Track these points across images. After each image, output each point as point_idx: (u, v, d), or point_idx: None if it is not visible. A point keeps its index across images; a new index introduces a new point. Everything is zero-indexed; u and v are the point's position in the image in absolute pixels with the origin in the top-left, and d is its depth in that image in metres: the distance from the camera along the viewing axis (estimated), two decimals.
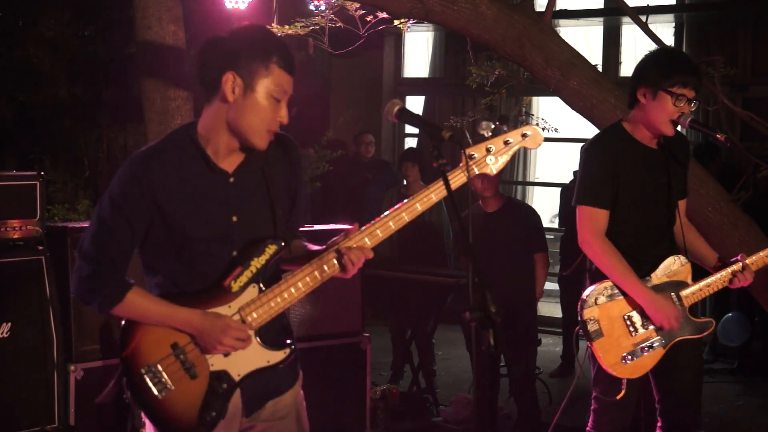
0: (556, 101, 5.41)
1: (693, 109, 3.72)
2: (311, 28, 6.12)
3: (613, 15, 9.27)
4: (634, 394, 3.84)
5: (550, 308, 9.38)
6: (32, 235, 4.90)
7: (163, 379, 2.71)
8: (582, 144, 3.94)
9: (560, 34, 5.10)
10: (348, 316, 5.42)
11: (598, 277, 3.77)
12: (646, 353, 3.71)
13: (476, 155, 2.78)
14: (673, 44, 8.76)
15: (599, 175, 3.76)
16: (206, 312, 2.68)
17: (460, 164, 2.74)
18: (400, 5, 4.84)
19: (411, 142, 10.87)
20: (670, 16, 9.29)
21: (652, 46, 4.89)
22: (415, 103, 10.88)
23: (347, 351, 5.42)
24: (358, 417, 5.47)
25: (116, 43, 10.54)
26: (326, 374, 5.24)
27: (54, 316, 4.85)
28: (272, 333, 2.77)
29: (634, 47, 9.47)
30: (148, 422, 2.79)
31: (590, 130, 4.71)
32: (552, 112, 8.42)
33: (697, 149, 7.46)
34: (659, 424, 3.88)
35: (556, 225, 10.06)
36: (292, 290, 2.72)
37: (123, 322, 2.76)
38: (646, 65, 3.79)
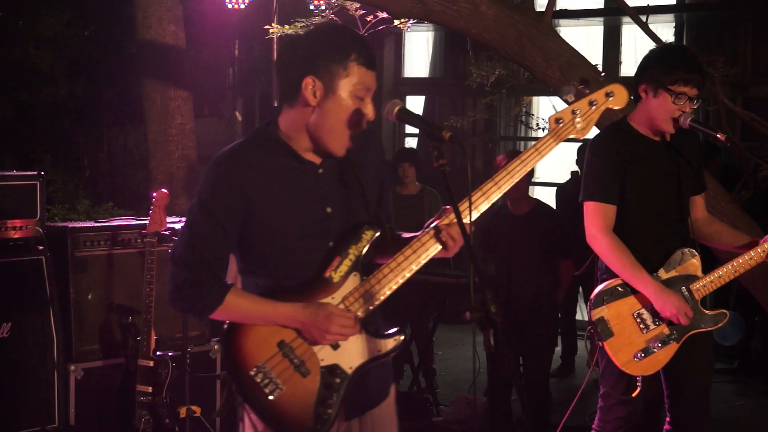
0: (556, 101, 5.41)
1: (695, 107, 3.70)
2: (311, 28, 6.12)
3: (613, 15, 9.26)
4: (642, 393, 3.82)
5: None
6: (32, 235, 4.90)
7: (275, 380, 2.61)
8: (580, 144, 3.93)
9: (560, 34, 5.10)
10: None
11: (609, 275, 3.76)
12: (659, 349, 3.69)
13: (563, 119, 2.76)
14: None
15: (605, 170, 3.74)
16: (308, 303, 2.61)
17: (550, 129, 2.72)
18: (400, 5, 4.84)
19: (411, 142, 10.87)
20: (671, 16, 9.29)
21: (653, 46, 4.89)
22: (415, 103, 10.87)
23: None
24: None
25: (116, 43, 10.55)
26: None
27: (54, 316, 4.86)
28: (378, 321, 2.71)
29: (634, 47, 9.46)
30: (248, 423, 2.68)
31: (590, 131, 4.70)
32: (552, 112, 8.41)
33: None
34: (668, 419, 3.88)
35: None
36: (396, 276, 2.64)
37: (225, 326, 2.67)
38: (649, 61, 3.77)
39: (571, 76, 4.78)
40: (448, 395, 6.60)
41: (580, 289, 7.62)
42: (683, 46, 6.01)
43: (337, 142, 2.62)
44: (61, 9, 10.18)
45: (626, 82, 3.93)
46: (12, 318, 4.76)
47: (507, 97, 7.11)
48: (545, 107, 9.58)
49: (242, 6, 8.86)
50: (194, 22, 9.57)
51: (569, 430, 5.26)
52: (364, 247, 2.65)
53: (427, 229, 2.66)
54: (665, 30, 9.12)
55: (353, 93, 2.59)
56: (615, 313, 3.70)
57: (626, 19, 8.80)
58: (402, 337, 2.70)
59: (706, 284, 3.75)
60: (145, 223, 4.86)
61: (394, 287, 2.67)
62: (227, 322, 2.67)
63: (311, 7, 7.25)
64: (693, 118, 3.67)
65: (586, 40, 9.79)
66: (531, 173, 5.66)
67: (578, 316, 7.98)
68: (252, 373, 2.60)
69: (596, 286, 3.79)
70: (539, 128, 8.03)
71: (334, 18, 6.07)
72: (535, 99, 9.66)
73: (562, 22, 9.46)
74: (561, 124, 2.76)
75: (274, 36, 6.17)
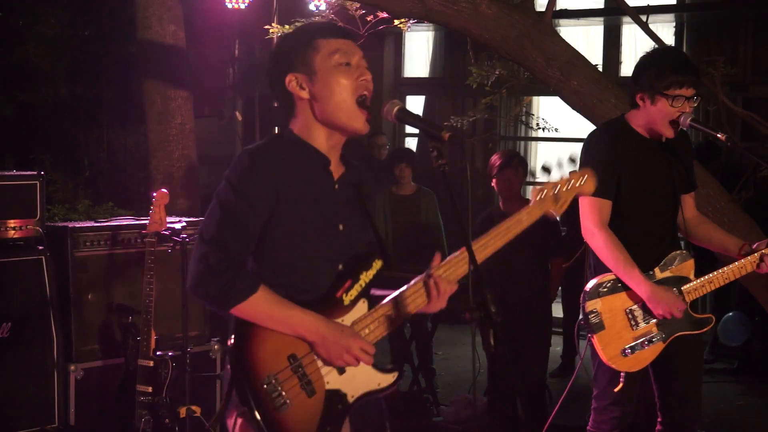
0: (556, 101, 5.40)
1: (694, 106, 3.70)
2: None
3: (613, 15, 9.26)
4: (635, 392, 3.84)
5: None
6: (32, 235, 4.90)
7: (283, 394, 2.50)
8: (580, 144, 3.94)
9: (560, 34, 5.10)
10: None
11: (600, 270, 3.77)
12: (646, 347, 3.71)
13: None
14: (673, 44, 8.76)
15: (601, 165, 3.72)
16: (332, 320, 2.56)
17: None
18: (400, 5, 4.84)
19: (411, 142, 10.86)
20: (671, 16, 9.29)
21: (653, 46, 4.89)
22: (415, 103, 10.87)
23: None
24: None
25: (116, 43, 10.55)
26: None
27: (54, 316, 4.86)
28: (379, 355, 2.67)
29: (634, 47, 9.46)
30: None
31: (590, 130, 4.70)
32: (552, 112, 8.41)
33: (697, 149, 7.44)
34: (659, 419, 3.89)
35: None
36: (403, 309, 2.65)
37: (236, 329, 2.54)
38: (640, 69, 3.78)
39: (572, 75, 4.79)
40: (448, 395, 6.60)
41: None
42: (672, 47, 6.00)
43: (351, 115, 2.61)
44: (61, 9, 10.19)
45: (626, 82, 3.94)
46: (12, 318, 4.76)
47: (507, 97, 7.09)
48: (545, 107, 9.57)
49: (242, 6, 8.86)
50: (194, 22, 9.56)
51: (569, 430, 5.26)
52: (372, 275, 2.65)
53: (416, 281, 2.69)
54: (665, 30, 9.12)
55: (334, 63, 2.60)
56: (608, 307, 3.72)
57: (626, 19, 8.80)
58: (397, 375, 2.75)
59: (697, 288, 3.77)
60: (145, 223, 4.86)
61: (399, 323, 2.71)
62: (236, 327, 2.54)
63: (311, 7, 7.26)
64: (693, 118, 3.68)
65: (586, 40, 9.79)
66: (525, 172, 5.68)
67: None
68: (263, 381, 2.49)
69: (587, 281, 3.80)
70: (539, 128, 8.03)
71: (334, 18, 6.07)
72: (535, 99, 9.64)
73: (562, 22, 9.45)
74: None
75: (274, 36, 6.17)
